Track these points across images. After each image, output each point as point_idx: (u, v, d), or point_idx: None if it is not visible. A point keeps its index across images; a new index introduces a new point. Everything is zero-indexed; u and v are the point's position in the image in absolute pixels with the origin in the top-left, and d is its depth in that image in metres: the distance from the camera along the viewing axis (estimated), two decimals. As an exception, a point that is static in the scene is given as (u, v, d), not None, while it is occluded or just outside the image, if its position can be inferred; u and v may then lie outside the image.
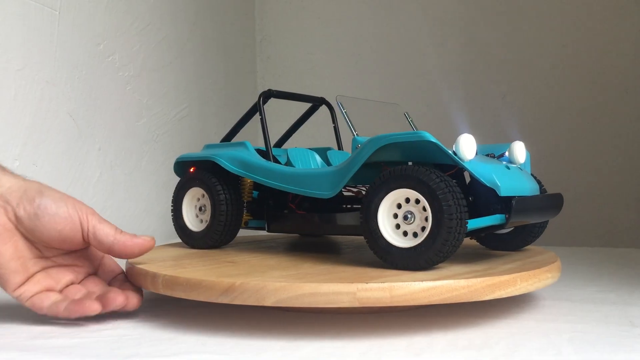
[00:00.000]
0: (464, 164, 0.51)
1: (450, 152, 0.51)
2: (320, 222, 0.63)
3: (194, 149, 1.17)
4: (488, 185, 0.51)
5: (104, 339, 0.46)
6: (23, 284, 0.50)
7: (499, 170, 0.53)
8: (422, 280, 0.46)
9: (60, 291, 0.52)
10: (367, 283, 0.46)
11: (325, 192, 0.57)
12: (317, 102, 0.76)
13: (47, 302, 0.50)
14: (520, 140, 0.59)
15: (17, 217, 0.49)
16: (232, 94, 1.35)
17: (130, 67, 1.01)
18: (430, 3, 1.31)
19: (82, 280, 0.54)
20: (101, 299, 0.50)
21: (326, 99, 0.76)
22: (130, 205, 1.01)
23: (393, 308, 0.53)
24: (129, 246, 0.52)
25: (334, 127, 0.77)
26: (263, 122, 0.70)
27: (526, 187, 0.55)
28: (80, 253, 0.54)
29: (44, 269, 0.52)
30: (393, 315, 0.52)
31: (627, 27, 1.15)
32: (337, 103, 0.61)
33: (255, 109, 0.72)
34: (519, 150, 0.59)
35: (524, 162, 0.60)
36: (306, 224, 0.66)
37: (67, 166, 0.88)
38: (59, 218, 0.50)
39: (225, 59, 1.32)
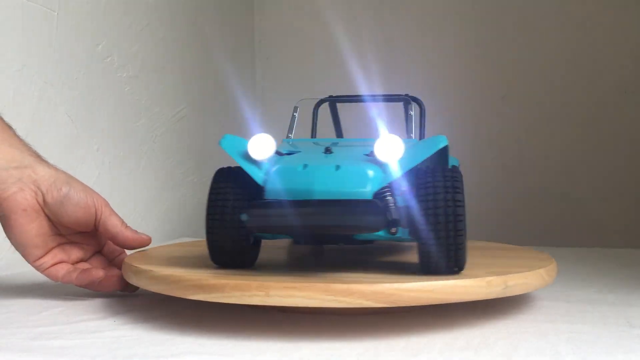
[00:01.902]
0: (244, 162, 0.51)
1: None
2: None
3: (192, 149, 1.17)
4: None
5: (103, 340, 0.46)
6: (42, 256, 0.60)
7: (285, 171, 0.50)
8: (419, 281, 0.46)
9: (72, 265, 0.61)
10: (366, 284, 0.46)
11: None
12: (399, 101, 0.68)
13: (61, 272, 0.60)
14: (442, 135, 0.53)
15: (45, 202, 0.59)
16: (231, 94, 1.35)
17: (128, 68, 1.01)
18: (430, 3, 1.31)
19: (89, 257, 0.64)
20: (103, 280, 0.60)
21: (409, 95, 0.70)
22: (129, 206, 1.01)
23: (390, 309, 0.53)
24: (130, 239, 0.62)
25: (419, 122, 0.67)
26: (314, 128, 0.69)
27: (315, 190, 0.48)
28: (90, 234, 0.63)
29: (59, 244, 0.61)
30: (390, 316, 0.52)
31: (627, 27, 1.15)
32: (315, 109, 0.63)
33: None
34: (380, 147, 0.49)
35: (402, 158, 0.49)
36: None
37: (66, 167, 0.87)
38: (79, 207, 0.59)
39: (224, 60, 1.32)
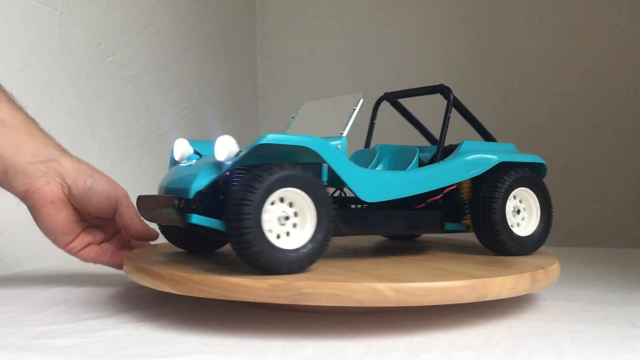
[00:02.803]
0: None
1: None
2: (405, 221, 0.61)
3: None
4: None
5: (105, 339, 0.46)
6: (72, 241, 0.64)
7: (169, 170, 0.59)
8: (421, 281, 0.46)
9: (98, 244, 0.67)
10: (369, 283, 0.46)
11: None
12: (432, 92, 0.70)
13: (91, 254, 0.65)
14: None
15: (70, 193, 0.63)
16: (233, 93, 1.35)
17: (131, 67, 1.01)
18: (430, 3, 1.31)
19: (110, 238, 0.69)
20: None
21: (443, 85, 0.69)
22: (131, 205, 1.01)
23: (393, 308, 0.53)
24: (140, 231, 0.67)
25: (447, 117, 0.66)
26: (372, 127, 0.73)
27: (165, 187, 0.55)
28: (109, 218, 0.68)
29: (84, 228, 0.66)
30: (393, 315, 0.52)
31: (627, 27, 1.15)
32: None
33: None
34: (216, 148, 0.51)
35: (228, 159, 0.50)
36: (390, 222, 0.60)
37: (68, 166, 0.88)
38: (102, 198, 0.64)
39: (226, 59, 1.32)
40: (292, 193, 0.49)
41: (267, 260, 0.47)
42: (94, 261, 0.66)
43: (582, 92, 1.18)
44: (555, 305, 0.58)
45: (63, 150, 0.64)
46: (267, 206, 0.47)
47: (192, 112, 1.18)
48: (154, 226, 0.65)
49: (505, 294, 0.49)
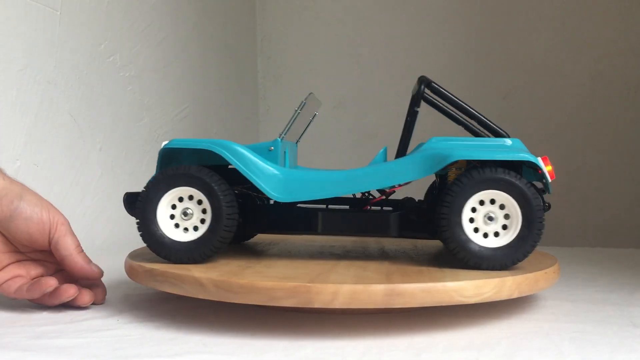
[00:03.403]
0: None
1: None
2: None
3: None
4: None
5: (106, 339, 0.46)
6: None
7: None
8: (422, 283, 0.46)
9: (29, 279, 0.56)
10: (368, 285, 0.46)
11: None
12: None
13: (14, 286, 0.55)
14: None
15: None
16: (233, 93, 1.35)
17: (131, 68, 1.01)
18: (431, 4, 1.31)
19: (51, 275, 0.58)
20: (55, 291, 0.54)
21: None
22: (132, 206, 1.01)
23: (394, 308, 0.53)
24: (78, 267, 0.56)
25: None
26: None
27: None
28: (51, 251, 0.58)
29: (17, 261, 0.57)
30: (394, 315, 0.52)
31: (628, 27, 1.15)
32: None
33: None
34: None
35: None
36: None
37: (68, 166, 0.88)
38: (32, 222, 0.55)
39: (226, 59, 1.32)
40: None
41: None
42: (15, 295, 0.54)
43: (583, 92, 1.18)
44: (556, 305, 0.58)
45: None
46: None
47: (192, 112, 1.18)
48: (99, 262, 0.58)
49: (507, 296, 0.49)
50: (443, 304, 0.47)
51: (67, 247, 0.55)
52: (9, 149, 0.79)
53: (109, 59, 0.96)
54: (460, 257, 0.52)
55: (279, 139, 0.58)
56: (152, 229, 0.55)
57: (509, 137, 0.58)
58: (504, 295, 0.49)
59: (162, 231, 0.55)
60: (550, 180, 0.55)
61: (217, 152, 0.55)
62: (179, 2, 1.15)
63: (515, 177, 0.52)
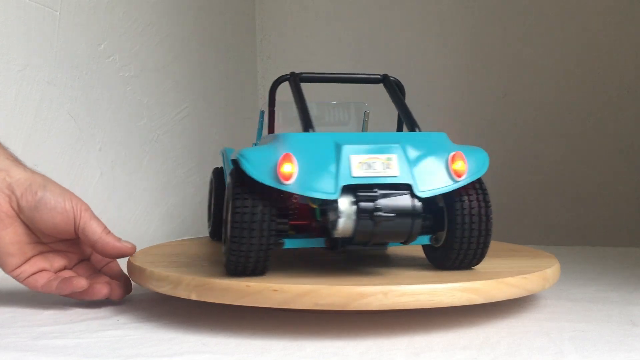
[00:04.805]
0: None
1: None
2: None
3: (194, 149, 1.17)
4: None
5: (106, 339, 0.46)
6: (20, 265, 0.56)
7: None
8: (422, 284, 0.46)
9: (55, 273, 0.58)
10: (365, 286, 0.46)
11: None
12: (376, 82, 0.63)
13: (41, 281, 0.56)
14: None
15: (19, 207, 0.55)
16: (233, 93, 1.35)
17: (130, 68, 1.01)
18: (431, 2, 1.31)
19: (75, 265, 0.60)
20: (88, 289, 0.55)
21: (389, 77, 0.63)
22: (131, 206, 1.01)
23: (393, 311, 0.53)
24: (110, 247, 0.57)
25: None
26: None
27: None
28: (74, 241, 0.59)
29: (41, 253, 0.57)
30: (393, 315, 0.52)
31: (628, 27, 1.15)
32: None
33: None
34: None
35: None
36: None
37: (68, 166, 0.88)
38: (56, 212, 0.55)
39: (225, 59, 1.32)
40: None
41: None
42: (42, 289, 0.56)
43: (582, 91, 1.18)
44: (556, 304, 0.58)
45: (16, 161, 0.58)
46: None
47: (191, 112, 1.18)
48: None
49: (508, 296, 0.49)
50: (442, 306, 0.47)
51: (94, 231, 0.56)
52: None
53: (109, 59, 0.96)
54: None
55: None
56: None
57: None
58: (506, 295, 0.49)
59: None
60: (462, 179, 0.50)
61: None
62: (179, 2, 1.15)
63: None
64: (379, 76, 0.61)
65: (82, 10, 0.91)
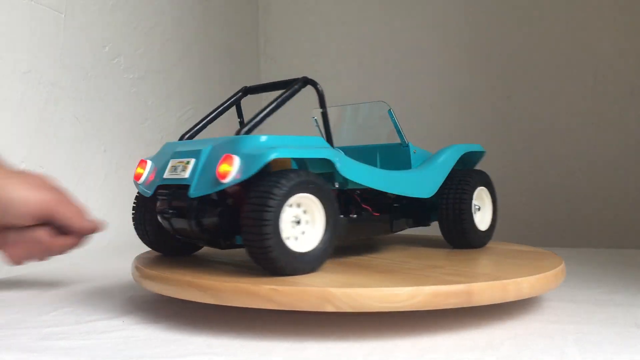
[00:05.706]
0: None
1: None
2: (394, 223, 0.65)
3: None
4: None
5: (111, 341, 0.46)
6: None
7: None
8: (425, 285, 0.46)
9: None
10: (366, 288, 0.46)
11: (426, 193, 0.64)
12: (298, 84, 0.64)
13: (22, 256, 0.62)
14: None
15: None
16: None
17: (135, 69, 1.01)
18: (434, 4, 1.31)
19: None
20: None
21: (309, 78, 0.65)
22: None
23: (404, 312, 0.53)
24: (78, 231, 0.63)
25: (322, 113, 0.61)
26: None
27: None
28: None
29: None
30: (398, 316, 0.53)
31: (631, 28, 1.15)
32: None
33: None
34: None
35: None
36: (382, 226, 0.64)
37: (73, 168, 0.88)
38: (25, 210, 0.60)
39: (229, 61, 1.33)
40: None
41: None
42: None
43: (587, 92, 1.18)
44: (559, 307, 0.58)
45: None
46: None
47: (195, 114, 1.18)
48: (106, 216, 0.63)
49: (513, 297, 0.49)
50: (446, 307, 0.47)
51: (66, 215, 0.61)
52: (14, 151, 0.79)
53: (114, 60, 0.97)
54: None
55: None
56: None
57: None
58: (510, 296, 0.49)
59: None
60: (225, 181, 0.50)
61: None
62: (183, 5, 1.15)
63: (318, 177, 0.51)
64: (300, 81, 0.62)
65: (87, 13, 0.91)
